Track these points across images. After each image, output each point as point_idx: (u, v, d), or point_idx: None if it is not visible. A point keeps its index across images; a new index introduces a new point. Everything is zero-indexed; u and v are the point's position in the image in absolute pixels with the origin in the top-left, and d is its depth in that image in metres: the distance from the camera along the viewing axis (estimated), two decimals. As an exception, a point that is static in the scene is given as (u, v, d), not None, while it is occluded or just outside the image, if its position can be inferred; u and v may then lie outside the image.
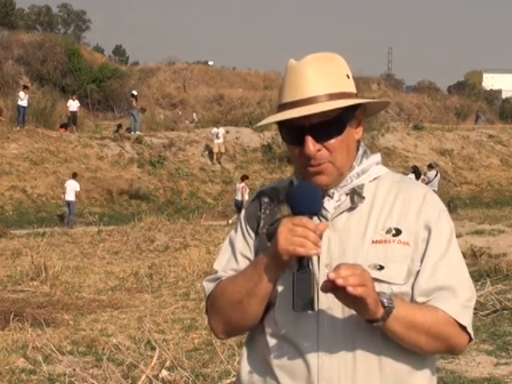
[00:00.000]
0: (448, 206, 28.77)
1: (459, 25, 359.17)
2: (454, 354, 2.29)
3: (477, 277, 12.36)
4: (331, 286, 2.00)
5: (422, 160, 37.24)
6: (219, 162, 34.18)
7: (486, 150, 42.28)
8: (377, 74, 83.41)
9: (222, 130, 34.16)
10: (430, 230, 2.22)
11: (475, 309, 8.90)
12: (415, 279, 2.20)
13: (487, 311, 10.41)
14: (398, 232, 2.21)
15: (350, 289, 1.97)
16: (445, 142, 41.70)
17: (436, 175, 29.02)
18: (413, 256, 2.20)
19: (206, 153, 34.50)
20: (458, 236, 18.07)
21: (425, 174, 28.89)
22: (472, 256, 14.89)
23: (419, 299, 2.19)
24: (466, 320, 2.20)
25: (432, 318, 2.15)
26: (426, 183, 27.31)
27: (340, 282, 1.97)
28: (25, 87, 35.45)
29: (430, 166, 29.98)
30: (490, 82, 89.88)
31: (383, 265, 2.17)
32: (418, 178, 24.94)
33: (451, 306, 2.18)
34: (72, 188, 25.98)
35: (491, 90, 77.05)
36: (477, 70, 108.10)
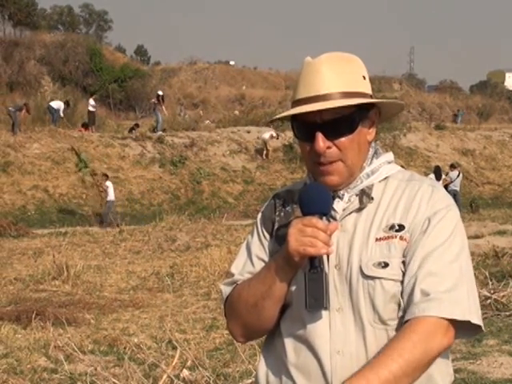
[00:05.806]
0: (470, 206, 28.69)
1: (481, 24, 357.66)
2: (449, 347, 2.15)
3: (499, 277, 12.28)
4: None
5: (444, 160, 37.08)
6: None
7: (509, 149, 42.02)
8: (399, 73, 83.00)
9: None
10: (429, 222, 2.17)
11: (497, 309, 8.74)
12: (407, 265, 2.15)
13: (510, 312, 10.35)
14: (401, 227, 2.19)
15: None
16: (467, 142, 41.50)
17: (458, 175, 28.87)
18: (408, 249, 2.17)
19: (253, 154, 34.82)
20: (481, 236, 17.98)
21: (447, 174, 28.73)
22: (494, 256, 14.78)
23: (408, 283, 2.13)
24: (446, 310, 2.08)
25: (400, 354, 2.05)
26: (448, 183, 27.20)
27: None
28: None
29: (452, 166, 29.84)
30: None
31: (387, 262, 2.16)
32: (438, 178, 24.77)
33: (427, 306, 2.08)
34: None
35: (514, 89, 76.70)
36: (499, 70, 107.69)
